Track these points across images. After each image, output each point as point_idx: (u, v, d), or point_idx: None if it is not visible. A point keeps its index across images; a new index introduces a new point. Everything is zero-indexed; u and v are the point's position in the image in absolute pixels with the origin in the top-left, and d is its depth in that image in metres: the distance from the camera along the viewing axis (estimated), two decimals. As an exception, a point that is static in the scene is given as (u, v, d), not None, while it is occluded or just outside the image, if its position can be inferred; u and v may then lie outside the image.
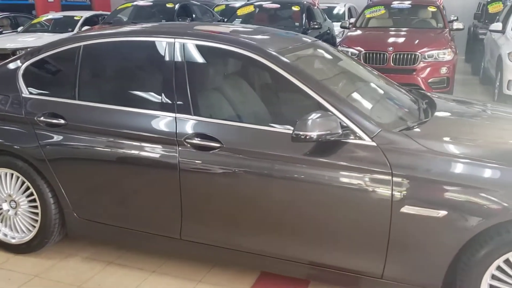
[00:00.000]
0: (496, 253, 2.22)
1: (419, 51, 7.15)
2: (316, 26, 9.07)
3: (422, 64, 7.12)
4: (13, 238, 3.17)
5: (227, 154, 2.56)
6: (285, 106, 2.76)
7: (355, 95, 2.70)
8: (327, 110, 2.44)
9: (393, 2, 8.98)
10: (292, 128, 2.40)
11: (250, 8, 9.65)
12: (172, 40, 2.82)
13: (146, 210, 2.83)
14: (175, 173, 2.66)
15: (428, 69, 7.12)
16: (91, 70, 3.06)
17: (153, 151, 2.72)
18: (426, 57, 7.15)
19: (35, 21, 12.20)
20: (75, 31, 10.76)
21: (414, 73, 7.12)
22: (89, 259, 3.14)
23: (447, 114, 2.96)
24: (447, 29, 8.10)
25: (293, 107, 2.69)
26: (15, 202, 3.12)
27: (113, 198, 2.90)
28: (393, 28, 8.36)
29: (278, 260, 2.65)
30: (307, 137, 2.31)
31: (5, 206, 3.16)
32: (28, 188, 3.07)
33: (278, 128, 2.55)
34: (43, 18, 12.21)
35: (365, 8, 9.05)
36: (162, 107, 2.76)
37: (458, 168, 2.27)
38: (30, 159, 2.98)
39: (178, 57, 2.77)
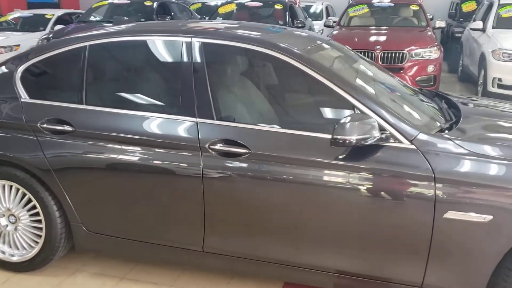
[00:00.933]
0: (543, 258, 2.16)
1: (406, 50, 7.15)
2: (300, 25, 8.98)
3: (409, 63, 7.13)
4: (13, 255, 2.92)
5: (255, 160, 2.41)
6: (317, 109, 2.62)
7: (385, 96, 2.58)
8: (363, 112, 2.32)
9: (374, 1, 8.98)
10: (325, 132, 2.30)
11: (232, 7, 9.49)
12: (189, 39, 2.64)
13: (165, 222, 2.65)
14: (198, 181, 2.48)
15: (416, 68, 7.14)
16: (100, 72, 2.85)
17: (173, 159, 2.54)
18: (414, 55, 7.16)
19: (1, 19, 11.67)
20: (47, 30, 10.34)
21: (402, 71, 7.12)
22: (99, 275, 2.93)
23: (473, 114, 2.88)
24: (430, 28, 8.15)
25: (326, 110, 2.56)
26: (14, 216, 2.88)
27: (128, 210, 2.70)
28: (378, 27, 8.35)
29: (307, 270, 2.52)
30: (346, 141, 2.19)
31: (3, 221, 2.90)
32: (29, 201, 2.83)
33: (311, 132, 2.41)
34: (10, 16, 11.69)
35: (348, 7, 9.02)
36: (181, 111, 2.58)
37: (503, 170, 2.20)
38: (32, 170, 2.75)
39: (197, 58, 2.59)
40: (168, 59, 2.76)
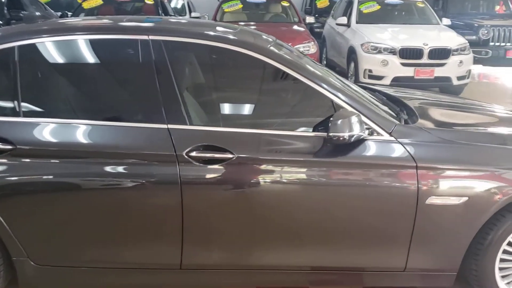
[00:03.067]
0: (508, 230, 2.41)
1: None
2: (175, 21, 8.71)
3: (291, 58, 7.38)
4: None
5: (241, 164, 2.28)
6: (299, 108, 2.55)
7: (355, 93, 2.62)
8: (346, 110, 2.34)
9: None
10: (310, 131, 2.33)
11: (98, 1, 8.82)
12: (145, 37, 2.38)
13: (136, 243, 2.36)
14: (175, 194, 2.26)
15: (297, 62, 7.42)
16: (40, 78, 2.41)
17: (142, 172, 2.27)
18: (294, 50, 7.44)
19: None
20: None
21: (285, 66, 7.35)
22: (47, 314, 2.51)
23: (421, 104, 3.09)
24: (302, 23, 8.56)
25: (309, 109, 2.51)
26: None
27: (89, 234, 2.34)
28: (254, 23, 8.50)
29: (291, 271, 2.49)
30: (341, 138, 2.20)
31: None
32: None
33: (296, 132, 2.37)
34: None
35: (222, 2, 9.03)
36: (147, 117, 2.32)
37: (473, 154, 2.40)
38: (-43, 200, 2.24)
39: (159, 58, 2.34)
40: (123, 60, 2.46)
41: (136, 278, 2.44)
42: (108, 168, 2.26)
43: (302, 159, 2.31)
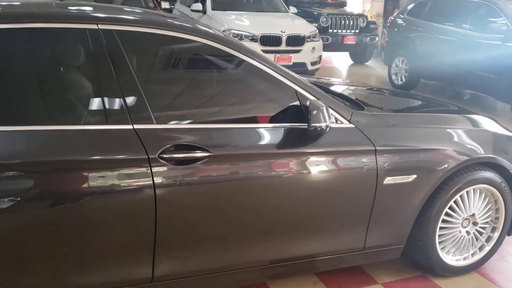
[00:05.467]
0: (446, 201, 2.70)
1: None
2: None
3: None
4: None
5: (218, 163, 2.13)
6: (267, 100, 2.43)
7: (314, 84, 2.61)
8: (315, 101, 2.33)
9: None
10: (281, 122, 2.31)
11: None
12: (94, 26, 2.05)
13: (99, 261, 2.05)
14: (148, 200, 2.00)
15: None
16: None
17: (109, 181, 1.96)
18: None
19: None
20: None
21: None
22: None
23: (360, 92, 3.23)
24: (159, 9, 8.26)
25: (277, 100, 2.40)
26: None
27: (41, 255, 1.95)
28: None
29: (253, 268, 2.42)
30: (318, 128, 2.23)
31: None
32: None
33: (268, 124, 2.29)
34: None
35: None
36: (107, 119, 2.00)
37: (417, 135, 2.62)
38: None
39: (114, 50, 2.03)
40: (70, 53, 2.07)
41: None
42: (69, 178, 1.91)
43: (283, 151, 2.25)
